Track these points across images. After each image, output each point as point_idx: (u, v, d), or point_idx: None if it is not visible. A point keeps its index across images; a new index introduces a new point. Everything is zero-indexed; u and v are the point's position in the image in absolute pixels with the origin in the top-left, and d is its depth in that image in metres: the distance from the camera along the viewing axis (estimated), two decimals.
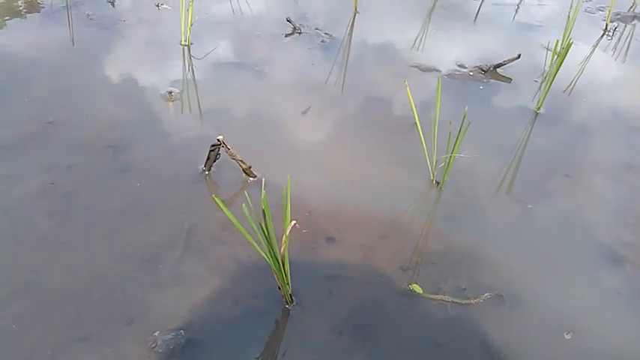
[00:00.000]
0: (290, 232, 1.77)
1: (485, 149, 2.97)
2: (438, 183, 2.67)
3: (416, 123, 2.60)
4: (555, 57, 3.17)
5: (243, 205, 1.66)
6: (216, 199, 1.65)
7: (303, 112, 2.97)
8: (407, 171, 2.76)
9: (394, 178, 2.73)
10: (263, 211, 1.62)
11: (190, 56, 3.51)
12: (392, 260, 2.28)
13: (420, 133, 2.59)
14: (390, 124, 3.04)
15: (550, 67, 3.24)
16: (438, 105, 2.50)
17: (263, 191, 1.60)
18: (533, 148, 3.05)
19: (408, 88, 2.51)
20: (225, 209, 1.64)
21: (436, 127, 2.55)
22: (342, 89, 3.35)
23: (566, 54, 3.12)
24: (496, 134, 3.10)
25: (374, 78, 3.48)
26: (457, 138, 2.44)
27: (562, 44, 3.41)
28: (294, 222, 1.74)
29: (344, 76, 3.47)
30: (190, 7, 3.46)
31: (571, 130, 3.22)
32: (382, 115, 3.11)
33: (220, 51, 3.58)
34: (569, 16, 3.56)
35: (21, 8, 3.89)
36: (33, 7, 3.92)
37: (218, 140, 2.48)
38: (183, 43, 3.58)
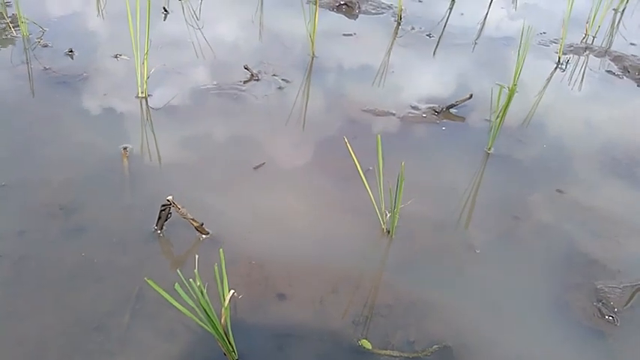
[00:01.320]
0: (230, 301, 1.80)
1: (436, 193, 3.03)
2: (389, 231, 2.72)
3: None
4: (505, 95, 3.25)
5: (176, 284, 1.69)
6: (148, 280, 1.67)
7: (256, 168, 3.02)
8: (360, 220, 2.81)
9: (347, 227, 2.78)
10: (199, 286, 1.64)
11: (148, 108, 3.55)
12: (343, 315, 2.31)
13: (366, 184, 2.64)
14: (344, 172, 3.08)
15: (497, 106, 3.32)
16: (380, 160, 2.56)
17: (195, 271, 1.63)
18: (483, 190, 3.13)
19: (348, 145, 2.57)
20: (158, 289, 1.66)
21: (381, 178, 2.61)
22: (297, 138, 3.40)
23: (512, 94, 3.22)
24: (446, 177, 3.17)
25: (328, 125, 3.54)
26: (397, 193, 2.50)
27: (514, 81, 3.48)
28: (232, 291, 1.77)
29: (298, 124, 3.52)
30: (145, 60, 3.51)
31: (521, 169, 3.30)
32: (336, 164, 3.16)
33: (177, 102, 3.62)
34: (519, 53, 3.66)
35: None
36: None
37: (168, 200, 2.51)
38: (139, 95, 3.61)
